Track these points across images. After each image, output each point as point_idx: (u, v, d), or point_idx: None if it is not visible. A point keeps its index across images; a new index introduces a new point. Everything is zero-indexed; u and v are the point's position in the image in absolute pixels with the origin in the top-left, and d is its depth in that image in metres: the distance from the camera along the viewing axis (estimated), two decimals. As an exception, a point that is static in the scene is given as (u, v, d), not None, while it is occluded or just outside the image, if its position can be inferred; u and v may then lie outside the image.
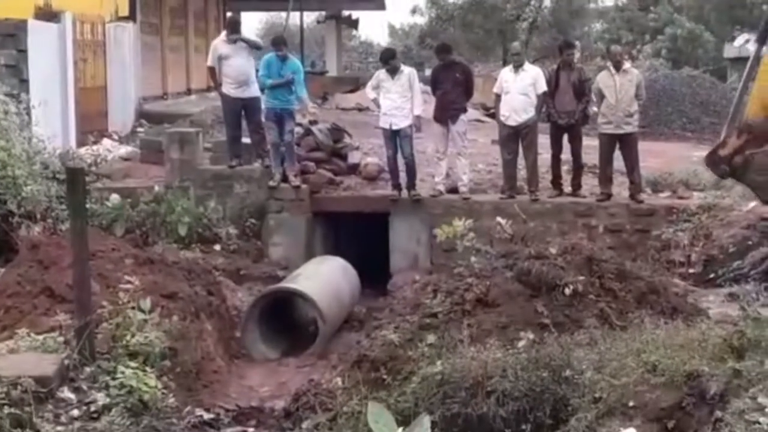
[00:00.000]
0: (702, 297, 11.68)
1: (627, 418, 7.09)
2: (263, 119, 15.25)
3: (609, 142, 14.49)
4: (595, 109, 15.26)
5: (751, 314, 8.85)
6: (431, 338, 9.39)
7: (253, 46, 15.67)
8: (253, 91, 15.31)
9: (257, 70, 15.40)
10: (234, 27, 16.07)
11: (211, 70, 16.08)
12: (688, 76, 27.62)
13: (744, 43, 44.23)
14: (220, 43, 15.99)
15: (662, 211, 14.34)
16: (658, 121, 24.20)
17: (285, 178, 15.25)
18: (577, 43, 19.35)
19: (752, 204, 13.40)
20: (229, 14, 34.04)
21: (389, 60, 15.02)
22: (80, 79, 18.99)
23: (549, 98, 14.79)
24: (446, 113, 15.16)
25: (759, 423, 6.14)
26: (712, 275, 12.72)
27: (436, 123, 15.33)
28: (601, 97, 14.56)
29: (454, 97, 15.20)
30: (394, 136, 14.85)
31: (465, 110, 15.58)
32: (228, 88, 15.58)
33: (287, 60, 15.18)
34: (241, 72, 15.41)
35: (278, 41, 15.69)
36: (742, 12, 47.60)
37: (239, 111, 15.57)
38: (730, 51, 46.30)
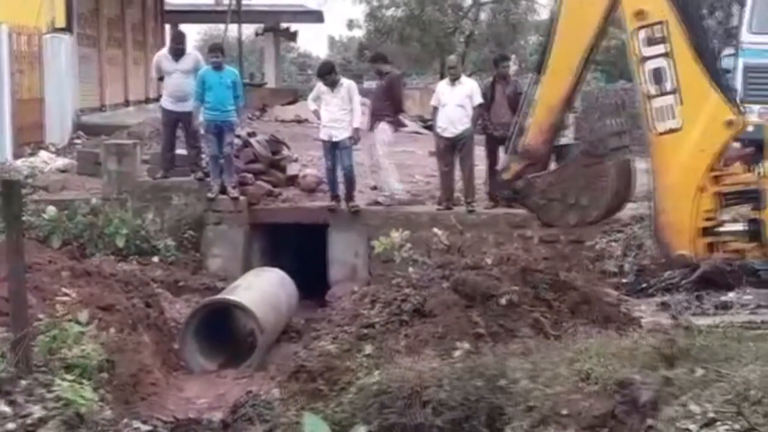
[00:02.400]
0: (634, 306, 11.78)
1: (561, 426, 7.14)
2: (203, 131, 15.18)
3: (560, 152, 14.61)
4: (530, 120, 15.39)
5: (682, 323, 8.97)
6: (369, 349, 9.40)
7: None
8: (190, 105, 15.22)
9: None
10: (179, 39, 16.13)
11: (160, 80, 16.29)
12: (622, 88, 27.89)
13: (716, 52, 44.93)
14: (163, 58, 15.96)
15: (596, 222, 14.48)
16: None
17: (223, 190, 15.18)
18: (513, 56, 19.54)
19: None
20: (168, 26, 33.90)
21: (326, 75, 15.04)
22: (17, 91, 18.75)
23: (485, 110, 14.88)
24: (372, 123, 15.30)
25: (689, 430, 6.22)
26: (644, 285, 12.83)
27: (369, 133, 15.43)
28: (536, 109, 14.70)
29: (378, 105, 15.39)
30: (333, 148, 14.86)
31: (389, 119, 15.57)
32: (165, 102, 15.73)
33: (223, 69, 15.12)
34: (179, 89, 15.44)
35: (215, 48, 15.70)
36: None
37: (174, 124, 15.58)
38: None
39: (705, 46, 10.25)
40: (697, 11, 10.49)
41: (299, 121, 24.31)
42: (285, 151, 17.13)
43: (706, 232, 10.10)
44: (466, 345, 8.93)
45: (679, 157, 10.06)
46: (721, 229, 10.13)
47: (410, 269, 10.97)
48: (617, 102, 12.63)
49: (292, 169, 16.61)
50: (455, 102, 14.87)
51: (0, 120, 17.76)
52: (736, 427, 6.14)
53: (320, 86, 15.19)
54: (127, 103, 27.14)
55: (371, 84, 41.02)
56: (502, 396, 7.66)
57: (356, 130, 14.88)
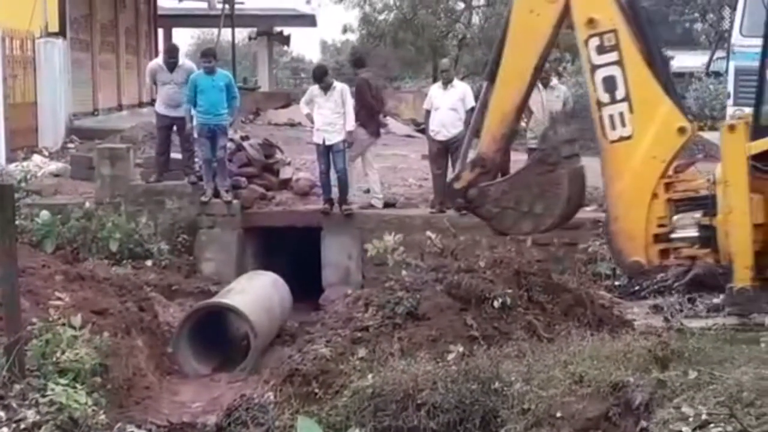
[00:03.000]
0: (627, 309, 11.81)
1: (555, 429, 7.15)
2: (196, 135, 15.18)
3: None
4: (523, 124, 15.36)
5: (674, 326, 9.00)
6: (362, 352, 9.40)
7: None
8: (183, 110, 15.23)
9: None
10: (172, 53, 16.15)
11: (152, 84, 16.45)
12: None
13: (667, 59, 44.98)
14: (158, 68, 15.97)
15: (588, 225, 14.44)
16: (584, 136, 24.40)
17: (217, 194, 15.15)
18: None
19: (675, 217, 13.58)
20: (161, 30, 33.87)
21: (323, 77, 15.03)
22: (10, 95, 18.72)
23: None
24: None
25: (682, 432, 6.23)
26: (636, 287, 12.85)
27: None
28: (530, 112, 14.67)
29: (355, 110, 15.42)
30: (327, 152, 14.83)
31: (359, 123, 15.36)
32: (159, 107, 15.81)
33: (215, 73, 15.12)
34: (172, 98, 15.50)
35: (208, 53, 15.74)
36: (665, 29, 48.28)
37: (169, 128, 15.60)
38: (654, 68, 46.95)
39: (656, 54, 10.34)
40: (648, 19, 10.55)
41: (292, 125, 24.34)
42: (278, 155, 17.12)
43: (659, 238, 10.18)
44: (460, 348, 8.94)
45: (631, 164, 10.15)
46: (674, 235, 10.23)
47: (403, 272, 10.96)
48: (567, 110, 12.92)
49: (286, 173, 16.58)
50: (448, 105, 14.87)
51: (-7, 124, 17.75)
52: (729, 429, 6.14)
53: (313, 90, 15.18)
54: (120, 108, 27.10)
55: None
56: (496, 399, 7.67)
57: (349, 133, 14.88)
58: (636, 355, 7.88)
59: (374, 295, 10.46)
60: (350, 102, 15.04)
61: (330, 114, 14.76)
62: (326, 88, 14.83)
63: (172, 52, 16.33)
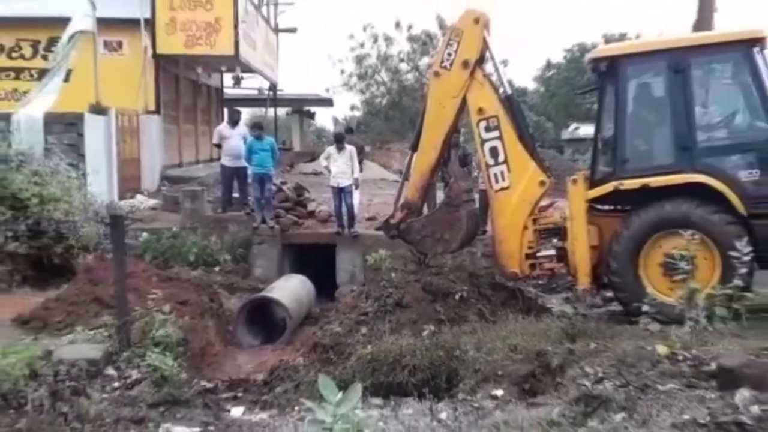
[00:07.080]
0: (547, 300, 11.81)
1: (497, 383, 7.14)
2: (250, 181, 15.22)
3: (484, 196, 14.63)
4: (475, 173, 15.38)
5: (579, 312, 9.00)
6: (364, 330, 9.39)
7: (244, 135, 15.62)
8: (242, 162, 15.26)
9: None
10: (234, 115, 16.18)
11: (216, 146, 16.25)
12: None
13: (574, 129, 45.16)
14: (223, 128, 16.02)
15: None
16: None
17: (264, 221, 15.16)
18: (462, 129, 19.65)
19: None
20: (225, 109, 33.91)
21: (342, 139, 15.13)
22: (121, 153, 18.71)
23: (443, 167, 14.86)
24: None
25: (585, 385, 6.22)
26: (554, 285, 12.87)
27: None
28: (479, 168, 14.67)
29: None
30: (340, 192, 14.83)
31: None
32: (224, 160, 15.73)
33: (263, 139, 15.16)
34: (234, 149, 15.45)
35: (255, 125, 15.82)
36: (573, 108, 48.51)
37: (232, 176, 15.58)
38: (565, 134, 47.10)
39: (525, 131, 10.64)
40: (519, 107, 10.82)
41: (316, 174, 24.30)
42: (306, 194, 17.12)
43: (529, 256, 10.37)
44: (432, 327, 8.93)
45: (509, 206, 10.39)
46: (539, 254, 10.40)
47: (393, 275, 10.96)
48: (467, 168, 13.43)
49: (311, 207, 16.58)
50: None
51: (110, 173, 17.71)
52: (617, 383, 6.14)
53: (330, 150, 15.19)
54: (197, 162, 27.08)
55: (367, 149, 40.98)
56: (457, 362, 7.66)
57: (356, 179, 14.89)
58: (553, 332, 7.89)
59: (372, 291, 10.45)
60: (356, 158, 15.07)
61: (342, 165, 14.77)
62: (340, 148, 14.87)
63: (233, 114, 16.32)
